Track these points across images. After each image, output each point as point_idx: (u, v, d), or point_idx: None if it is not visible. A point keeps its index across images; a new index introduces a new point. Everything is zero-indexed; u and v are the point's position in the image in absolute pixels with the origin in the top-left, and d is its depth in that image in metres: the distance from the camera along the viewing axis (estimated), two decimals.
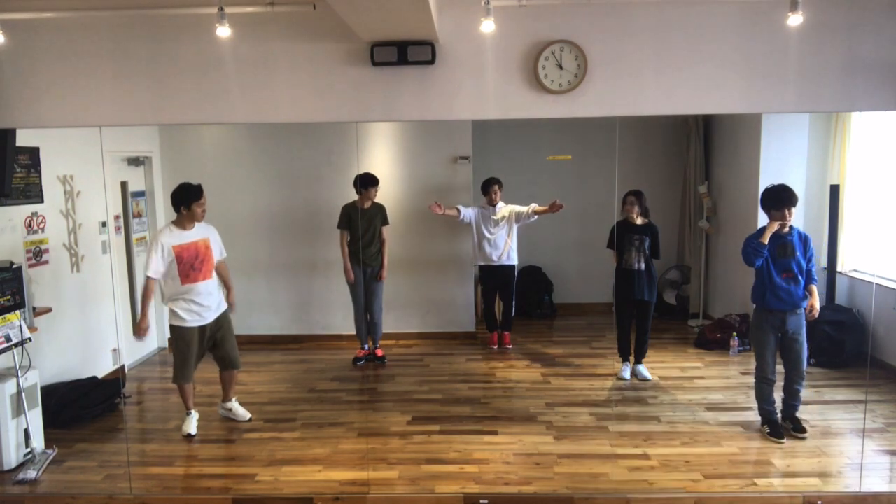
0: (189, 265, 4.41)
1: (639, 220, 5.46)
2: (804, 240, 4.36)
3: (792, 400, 4.42)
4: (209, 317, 4.52)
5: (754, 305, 4.49)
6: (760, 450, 4.18)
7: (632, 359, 5.60)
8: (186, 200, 4.39)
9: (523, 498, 3.70)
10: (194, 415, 4.63)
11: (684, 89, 3.73)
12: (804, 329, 4.36)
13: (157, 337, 6.40)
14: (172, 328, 4.51)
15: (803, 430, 4.34)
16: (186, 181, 4.47)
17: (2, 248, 4.46)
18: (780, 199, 4.26)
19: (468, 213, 6.27)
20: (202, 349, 4.59)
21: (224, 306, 4.67)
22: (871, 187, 5.64)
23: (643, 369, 5.55)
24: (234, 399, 4.84)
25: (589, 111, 3.78)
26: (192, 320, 4.46)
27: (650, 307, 5.51)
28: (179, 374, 4.52)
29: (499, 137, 7.48)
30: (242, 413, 4.80)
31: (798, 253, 4.31)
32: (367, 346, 6.12)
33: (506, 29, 3.67)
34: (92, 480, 3.97)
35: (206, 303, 4.49)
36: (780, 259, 4.31)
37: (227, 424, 4.74)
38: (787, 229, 4.31)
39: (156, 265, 4.34)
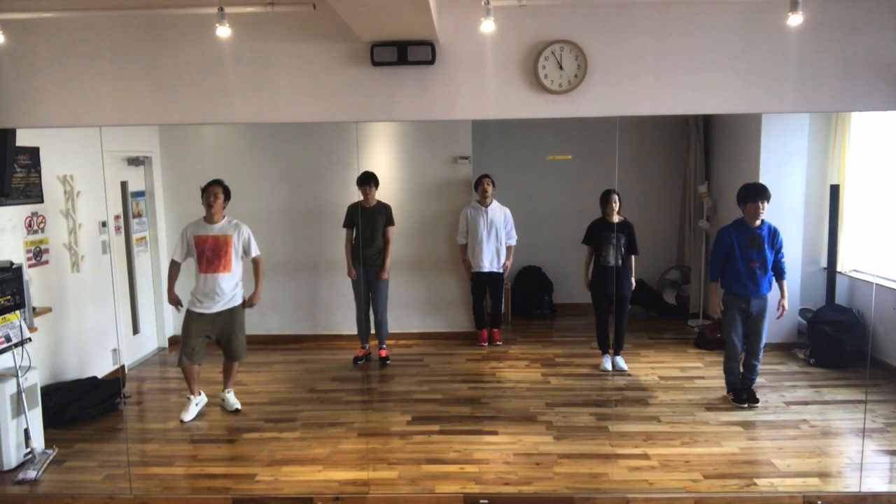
0: (204, 256, 4.72)
1: (615, 218, 5.54)
2: (773, 233, 4.76)
3: (749, 374, 4.93)
4: (213, 308, 4.74)
5: (722, 290, 4.91)
6: (760, 450, 4.19)
7: (611, 351, 5.79)
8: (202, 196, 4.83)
9: (523, 498, 3.70)
10: (193, 399, 4.85)
11: (684, 89, 3.73)
12: (767, 314, 4.83)
13: (157, 337, 6.41)
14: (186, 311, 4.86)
15: (756, 401, 4.83)
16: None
17: (2, 248, 4.46)
18: (753, 191, 4.69)
19: (463, 225, 6.37)
20: (204, 336, 4.80)
21: (237, 302, 4.84)
22: (871, 187, 5.64)
23: (621, 361, 5.73)
24: (229, 390, 5.02)
25: (589, 111, 3.78)
26: (194, 306, 4.76)
27: (626, 302, 5.70)
28: (180, 355, 4.79)
29: (499, 137, 7.48)
30: (231, 402, 4.97)
31: (766, 245, 4.71)
32: (367, 346, 6.11)
33: (506, 29, 3.67)
34: (92, 480, 3.97)
35: (212, 294, 4.72)
36: (747, 249, 4.72)
37: (228, 424, 4.74)
38: (758, 222, 4.71)
39: (178, 249, 4.85)
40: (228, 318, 4.81)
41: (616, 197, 5.54)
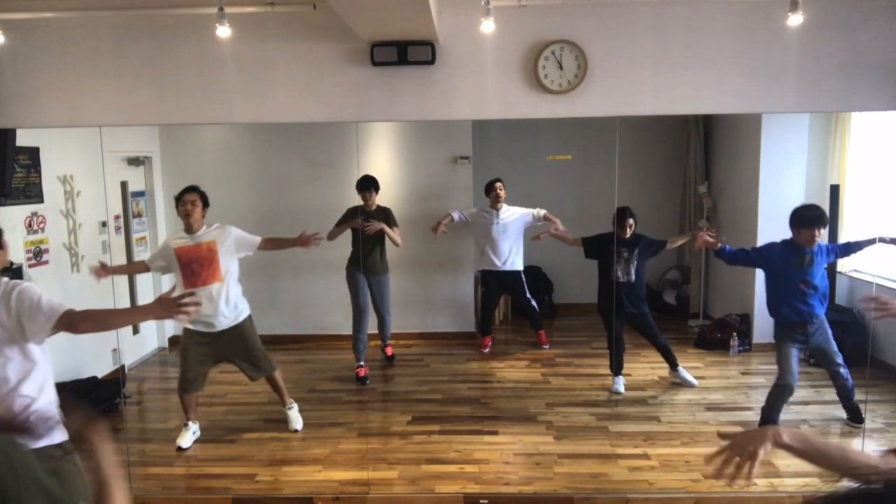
0: (189, 268, 4.29)
1: (627, 234, 5.22)
2: (826, 251, 4.32)
3: (845, 392, 4.45)
4: (214, 326, 4.31)
5: (773, 320, 4.44)
6: None
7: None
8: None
9: (523, 498, 3.70)
10: (191, 426, 4.46)
11: (684, 89, 3.73)
12: (830, 336, 4.37)
13: (158, 337, 6.40)
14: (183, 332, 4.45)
15: (860, 420, 4.41)
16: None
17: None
18: (811, 219, 4.18)
19: (460, 215, 6.21)
20: (208, 359, 4.39)
21: (243, 316, 4.43)
22: (871, 187, 5.64)
23: (684, 373, 5.32)
24: (289, 405, 4.66)
25: (589, 111, 3.78)
26: (193, 323, 4.30)
27: (646, 318, 5.28)
28: (181, 383, 4.40)
29: (499, 137, 7.48)
30: (294, 420, 4.62)
31: (816, 263, 4.25)
32: (363, 363, 5.76)
33: (506, 29, 3.67)
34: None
35: (210, 311, 4.27)
36: (797, 268, 4.23)
37: (227, 424, 4.74)
38: (814, 245, 4.22)
39: (154, 257, 4.51)
40: (237, 335, 4.38)
41: (632, 221, 5.15)
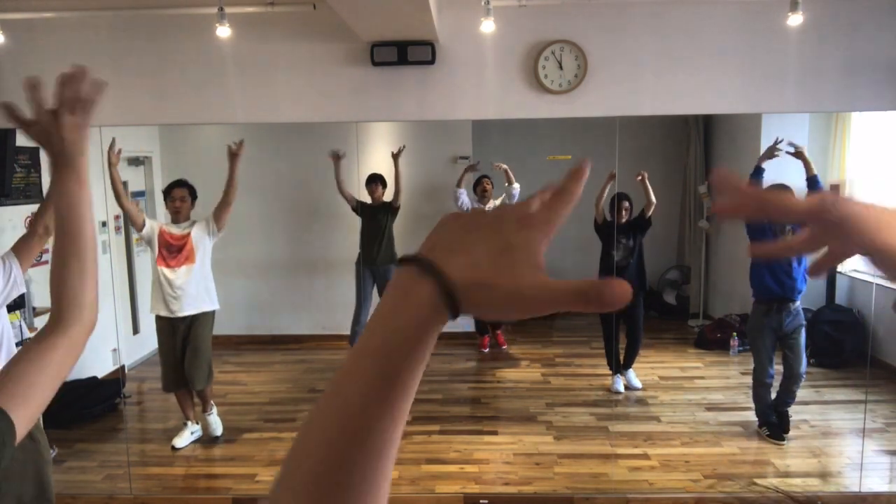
0: (165, 247, 4.31)
1: (623, 218, 5.21)
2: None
3: (786, 397, 4.36)
4: (181, 308, 4.27)
5: (753, 299, 4.42)
6: (760, 450, 4.19)
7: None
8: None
9: (523, 498, 3.70)
10: (190, 426, 4.46)
11: (684, 89, 3.73)
12: (803, 331, 4.31)
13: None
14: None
15: (786, 430, 4.30)
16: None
17: (2, 248, 4.46)
18: None
19: (464, 199, 6.18)
20: (177, 350, 4.35)
21: (207, 307, 4.39)
22: (871, 186, 5.64)
23: (632, 376, 5.30)
24: (209, 411, 4.53)
25: (589, 111, 3.78)
26: (163, 310, 4.32)
27: (639, 308, 5.25)
28: (162, 379, 4.41)
29: (499, 137, 7.47)
30: (213, 426, 4.53)
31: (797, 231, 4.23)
32: None
33: (506, 29, 3.66)
34: (92, 480, 3.97)
35: (177, 291, 4.27)
36: (780, 237, 4.23)
37: (227, 424, 4.73)
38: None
39: (145, 215, 4.40)
40: (193, 329, 4.30)
41: (627, 205, 5.12)
